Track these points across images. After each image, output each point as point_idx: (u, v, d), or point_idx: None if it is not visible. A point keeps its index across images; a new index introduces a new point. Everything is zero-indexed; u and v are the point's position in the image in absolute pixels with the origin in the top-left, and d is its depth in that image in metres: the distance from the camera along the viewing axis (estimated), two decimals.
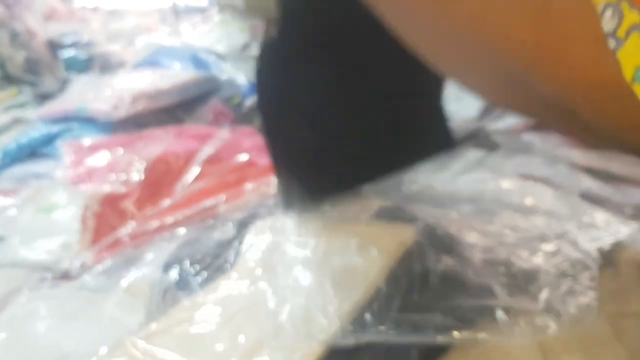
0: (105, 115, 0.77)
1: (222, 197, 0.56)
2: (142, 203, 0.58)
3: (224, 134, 0.73)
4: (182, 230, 0.51)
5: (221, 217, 0.52)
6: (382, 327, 0.33)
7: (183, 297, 0.40)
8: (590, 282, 0.35)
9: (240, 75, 0.90)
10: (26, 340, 0.40)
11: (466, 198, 0.49)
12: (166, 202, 0.58)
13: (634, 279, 0.39)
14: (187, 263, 0.44)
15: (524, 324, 0.33)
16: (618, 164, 0.54)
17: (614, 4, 0.19)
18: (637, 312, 0.36)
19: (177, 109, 0.85)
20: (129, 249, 0.50)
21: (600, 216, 0.45)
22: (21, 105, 0.95)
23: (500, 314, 0.33)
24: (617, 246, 0.41)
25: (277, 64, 0.41)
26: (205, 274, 0.42)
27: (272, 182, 0.58)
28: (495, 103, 0.36)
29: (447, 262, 0.37)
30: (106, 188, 0.59)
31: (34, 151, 0.75)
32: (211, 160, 0.66)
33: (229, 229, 0.48)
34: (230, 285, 0.40)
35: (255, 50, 0.98)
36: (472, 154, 0.62)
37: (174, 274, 0.43)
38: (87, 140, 0.72)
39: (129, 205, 0.57)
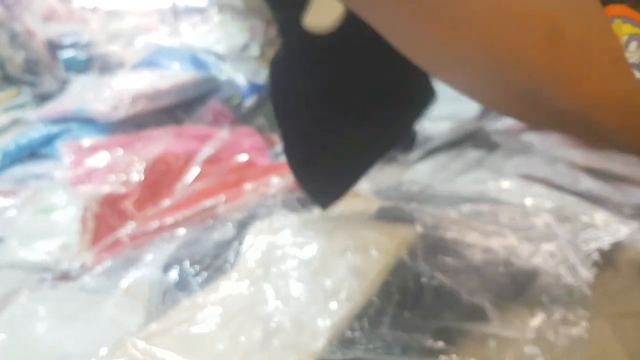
0: (105, 115, 0.77)
1: (222, 197, 0.56)
2: (142, 204, 0.58)
3: (223, 134, 0.73)
4: (181, 231, 0.51)
5: (221, 217, 0.52)
6: (370, 346, 0.33)
7: (183, 297, 0.40)
8: (584, 311, 0.35)
9: (239, 75, 0.90)
10: (26, 341, 0.40)
11: (466, 198, 0.49)
12: (166, 203, 0.58)
13: (634, 279, 0.39)
14: (186, 263, 0.44)
15: (512, 356, 0.32)
16: (618, 163, 0.54)
17: (639, 36, 0.19)
18: (637, 312, 0.36)
19: (177, 109, 0.85)
20: (128, 250, 0.50)
21: (600, 216, 0.45)
22: (21, 106, 0.95)
23: (491, 343, 0.33)
24: (617, 246, 0.41)
25: (286, 72, 0.41)
26: (205, 274, 0.42)
27: (271, 182, 0.58)
28: (505, 114, 0.36)
29: (441, 278, 0.37)
30: (106, 189, 0.59)
31: (33, 152, 0.75)
32: (211, 161, 0.66)
33: (229, 230, 0.48)
34: (230, 285, 0.40)
35: (255, 50, 0.98)
36: (471, 154, 0.63)
37: (173, 274, 0.43)
38: (86, 141, 0.72)
39: (128, 205, 0.57)
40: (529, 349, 0.33)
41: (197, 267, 0.43)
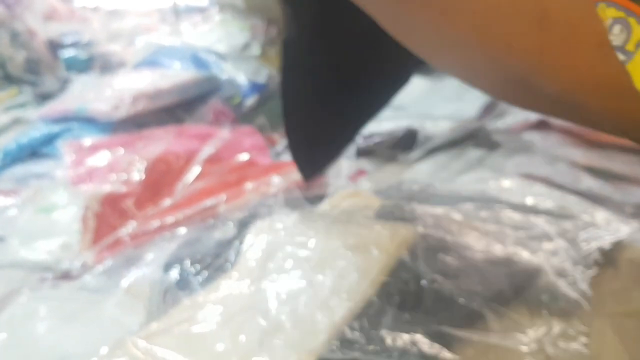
0: (106, 115, 0.77)
1: (223, 196, 0.56)
2: (143, 203, 0.58)
3: (224, 133, 0.73)
4: (182, 230, 0.51)
5: (222, 216, 0.52)
6: (370, 347, 0.33)
7: (184, 296, 0.40)
8: (583, 325, 0.35)
9: (240, 75, 0.90)
10: (26, 340, 0.40)
11: (466, 197, 0.49)
12: (167, 202, 0.58)
13: (634, 278, 0.39)
14: (187, 263, 0.44)
15: None
16: (618, 163, 0.54)
17: (622, 19, 0.20)
18: (638, 312, 0.36)
19: (178, 108, 0.85)
20: (129, 249, 0.50)
21: (600, 215, 0.45)
22: (21, 105, 0.95)
23: (490, 355, 0.33)
24: (618, 245, 0.41)
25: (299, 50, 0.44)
26: (205, 273, 0.42)
27: (272, 182, 0.58)
28: (499, 99, 0.38)
29: (441, 281, 0.37)
30: (106, 188, 0.59)
31: (34, 151, 0.75)
32: (211, 160, 0.66)
33: (230, 229, 0.48)
34: (231, 284, 0.40)
35: (255, 49, 0.98)
36: (472, 153, 0.63)
37: (174, 273, 0.43)
38: (87, 140, 0.72)
39: (129, 205, 0.57)
40: None
41: (198, 266, 0.43)
